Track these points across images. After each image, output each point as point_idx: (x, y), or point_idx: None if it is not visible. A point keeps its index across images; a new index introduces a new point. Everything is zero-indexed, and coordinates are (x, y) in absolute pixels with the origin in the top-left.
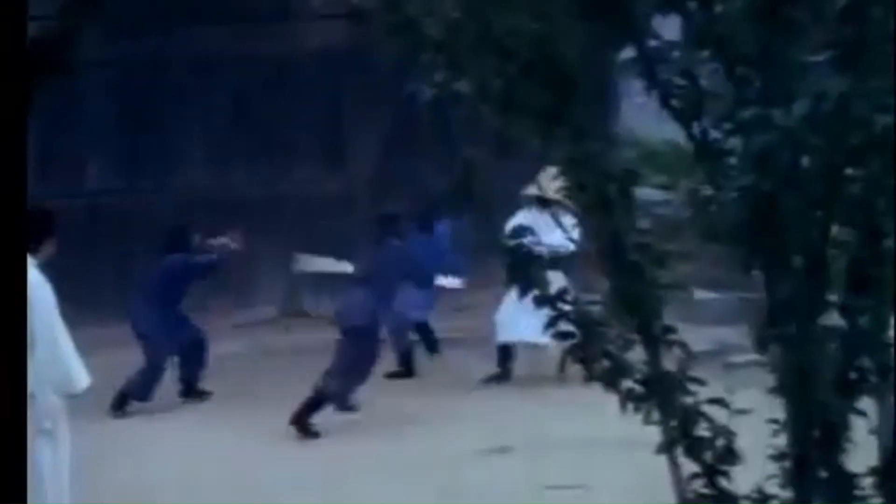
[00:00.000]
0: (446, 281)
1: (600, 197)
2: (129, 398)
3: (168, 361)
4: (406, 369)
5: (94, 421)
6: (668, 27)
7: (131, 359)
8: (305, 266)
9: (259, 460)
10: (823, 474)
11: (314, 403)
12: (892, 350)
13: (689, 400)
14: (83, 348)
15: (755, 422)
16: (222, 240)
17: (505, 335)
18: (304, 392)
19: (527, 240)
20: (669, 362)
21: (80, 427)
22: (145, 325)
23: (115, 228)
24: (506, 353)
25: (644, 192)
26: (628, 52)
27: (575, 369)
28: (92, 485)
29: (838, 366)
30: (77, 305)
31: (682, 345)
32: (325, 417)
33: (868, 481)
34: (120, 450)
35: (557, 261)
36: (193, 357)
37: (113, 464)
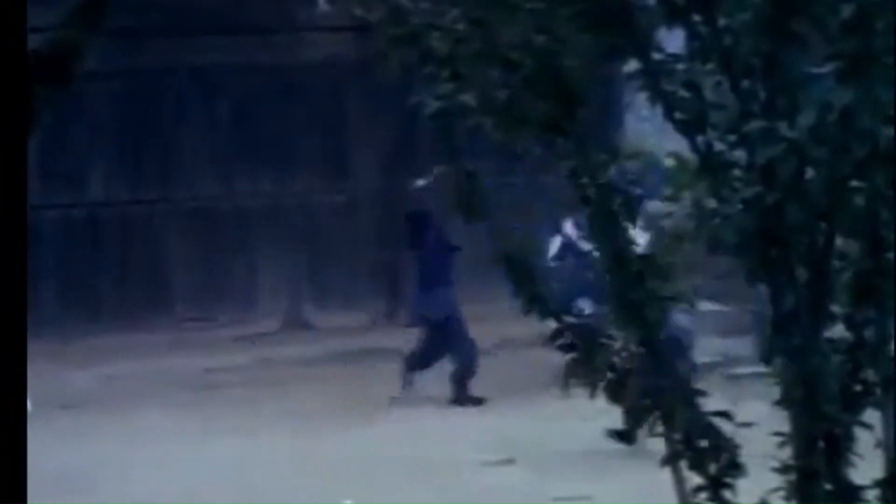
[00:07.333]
0: None
1: (604, 209)
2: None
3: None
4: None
5: None
6: (673, 40)
7: (134, 368)
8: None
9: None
10: (828, 487)
11: None
12: None
13: (693, 412)
14: (85, 359)
15: (760, 434)
16: None
17: None
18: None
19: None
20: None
21: None
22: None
23: (118, 239)
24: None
25: (648, 205)
26: (633, 65)
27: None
28: None
29: (843, 378)
30: (79, 316)
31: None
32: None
33: (873, 494)
34: None
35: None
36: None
37: None
